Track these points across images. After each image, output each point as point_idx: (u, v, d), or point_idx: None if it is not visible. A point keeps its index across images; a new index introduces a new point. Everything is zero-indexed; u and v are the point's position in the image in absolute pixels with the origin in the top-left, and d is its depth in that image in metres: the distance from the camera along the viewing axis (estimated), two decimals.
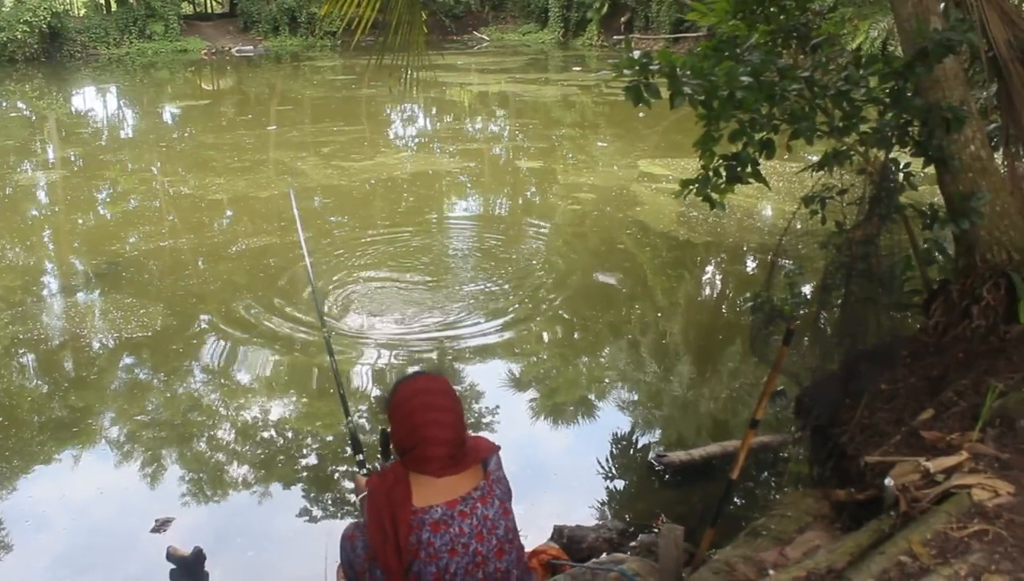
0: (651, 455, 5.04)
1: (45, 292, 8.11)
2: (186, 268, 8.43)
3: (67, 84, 26.32)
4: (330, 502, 4.66)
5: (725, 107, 3.44)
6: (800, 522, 3.05)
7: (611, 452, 5.25)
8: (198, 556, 3.97)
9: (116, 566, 4.20)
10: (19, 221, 10.92)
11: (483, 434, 4.36)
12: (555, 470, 5.12)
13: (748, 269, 8.63)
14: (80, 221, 11.01)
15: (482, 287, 7.92)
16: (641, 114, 19.18)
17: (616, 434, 5.46)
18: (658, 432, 5.53)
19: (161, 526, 4.33)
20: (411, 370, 2.63)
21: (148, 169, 13.90)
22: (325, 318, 6.06)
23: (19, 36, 28.14)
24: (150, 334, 6.80)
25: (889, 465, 3.09)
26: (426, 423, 2.56)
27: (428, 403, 2.61)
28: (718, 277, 8.78)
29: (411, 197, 11.85)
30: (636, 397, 6.00)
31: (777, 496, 3.81)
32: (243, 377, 6.16)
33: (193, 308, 7.39)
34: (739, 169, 3.90)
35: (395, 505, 2.53)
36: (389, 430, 2.73)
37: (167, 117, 20.26)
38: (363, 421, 5.50)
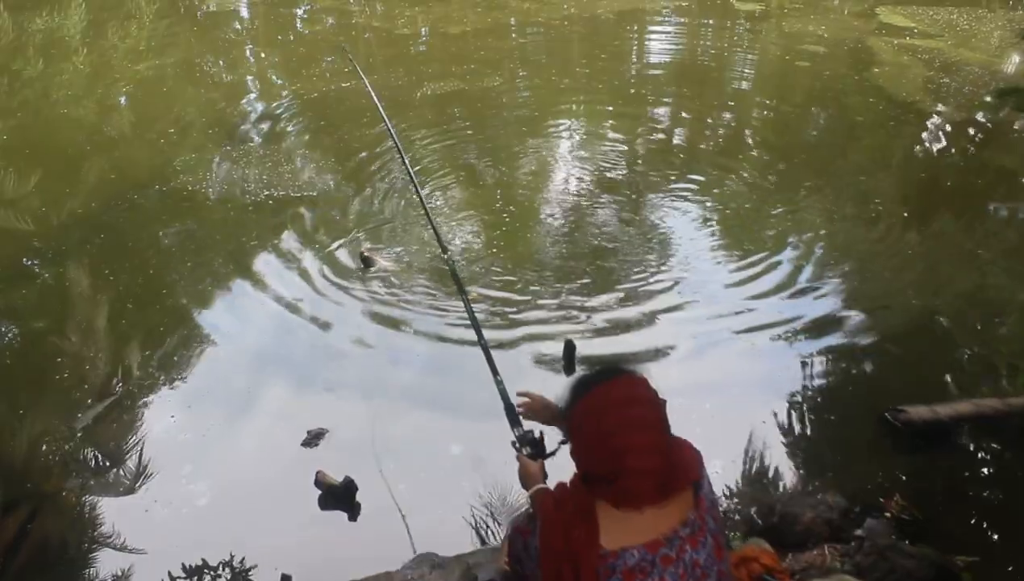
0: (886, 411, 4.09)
1: (224, 132, 7.82)
2: (364, 114, 7.83)
3: None
4: (492, 456, 3.77)
5: None
6: None
7: (829, 396, 4.35)
8: (348, 486, 3.55)
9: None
10: (217, 40, 10.82)
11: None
12: (754, 412, 4.18)
13: (1014, 164, 7.06)
14: (263, 56, 10.72)
15: (681, 163, 6.97)
16: None
17: (835, 370, 4.52)
18: (892, 374, 4.48)
19: (313, 439, 3.93)
20: (598, 368, 1.98)
21: None
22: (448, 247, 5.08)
23: None
24: (315, 194, 6.37)
25: None
26: (629, 449, 1.86)
27: (631, 419, 1.89)
28: (973, 171, 7.00)
29: (616, 41, 10.70)
30: (866, 326, 4.85)
31: None
32: (408, 266, 5.49)
33: (361, 166, 6.85)
34: None
35: (577, 550, 1.90)
36: (570, 443, 2.08)
37: None
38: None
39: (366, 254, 5.27)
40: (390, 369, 4.52)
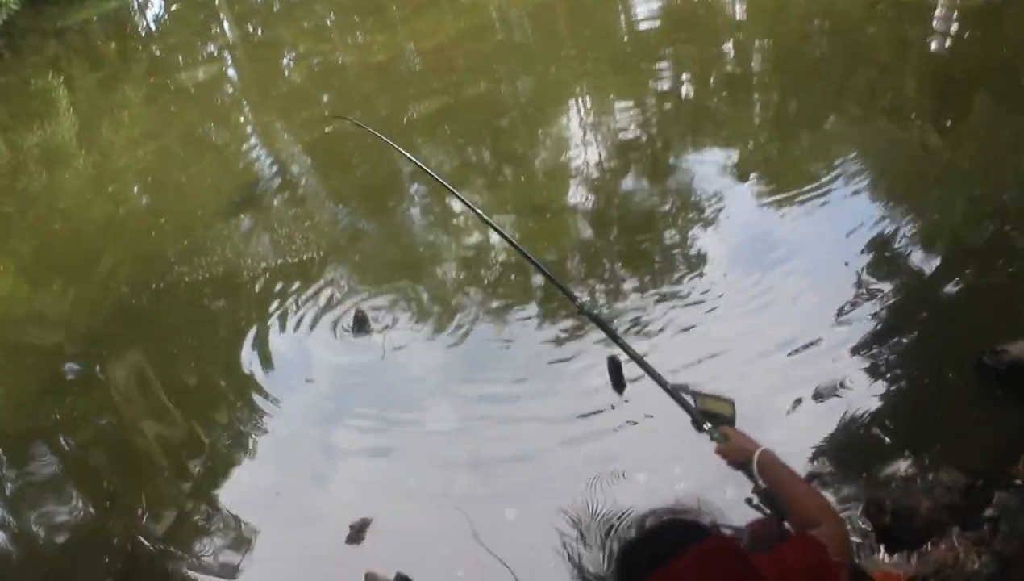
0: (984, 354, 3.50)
1: (221, 207, 7.42)
2: (353, 156, 7.38)
3: None
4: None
5: None
6: None
7: (915, 352, 3.72)
8: None
9: None
10: (210, 109, 10.66)
11: None
12: (832, 384, 3.67)
13: None
14: (241, 121, 10.43)
15: (695, 114, 6.47)
16: None
17: (915, 318, 3.91)
18: (981, 311, 3.85)
19: (357, 533, 3.53)
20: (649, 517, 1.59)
21: (320, 30, 13.09)
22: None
23: None
24: (322, 253, 5.94)
25: None
26: None
27: None
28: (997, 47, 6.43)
29: (597, 12, 10.02)
30: (937, 259, 4.23)
31: None
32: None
33: (356, 212, 6.50)
34: None
35: None
36: None
37: None
38: None
39: (360, 314, 4.88)
40: (428, 439, 4.10)
